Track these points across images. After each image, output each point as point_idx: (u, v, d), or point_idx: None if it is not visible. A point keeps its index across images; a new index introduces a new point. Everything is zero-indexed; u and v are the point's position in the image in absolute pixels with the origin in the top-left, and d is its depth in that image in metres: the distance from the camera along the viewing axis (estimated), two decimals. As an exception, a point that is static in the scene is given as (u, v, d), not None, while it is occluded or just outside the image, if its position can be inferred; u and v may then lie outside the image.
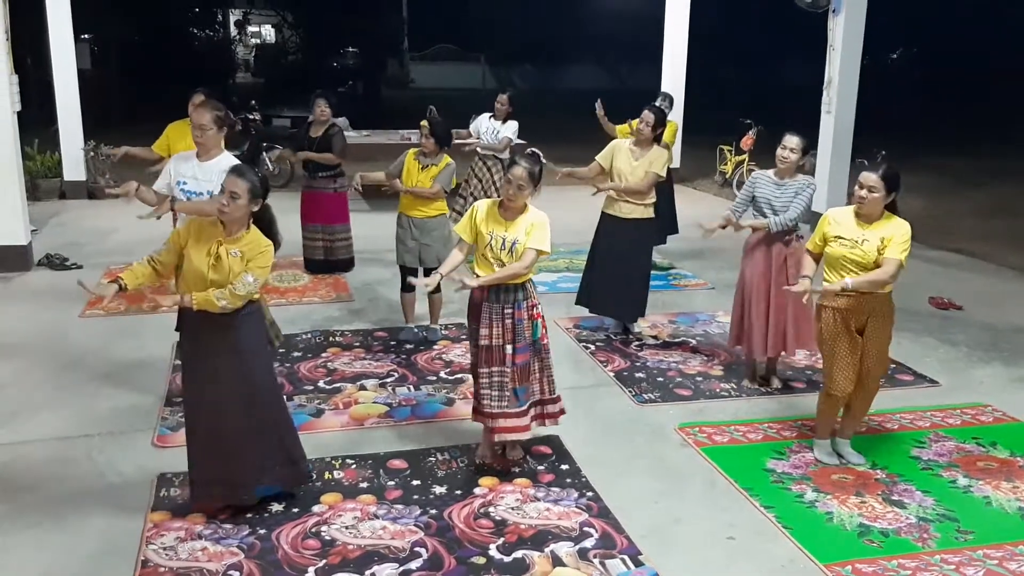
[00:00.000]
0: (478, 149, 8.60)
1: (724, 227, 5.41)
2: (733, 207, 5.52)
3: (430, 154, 6.02)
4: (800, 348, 5.66)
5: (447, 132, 6.18)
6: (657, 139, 6.20)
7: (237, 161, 5.03)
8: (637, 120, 6.28)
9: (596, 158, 6.26)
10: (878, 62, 26.12)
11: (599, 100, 8.06)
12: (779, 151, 5.28)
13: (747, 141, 12.63)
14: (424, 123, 6.12)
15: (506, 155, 8.53)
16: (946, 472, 4.59)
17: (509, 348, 4.32)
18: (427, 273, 6.25)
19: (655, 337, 6.55)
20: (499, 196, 4.37)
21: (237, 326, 3.87)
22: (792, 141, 5.23)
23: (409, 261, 6.18)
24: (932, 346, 6.49)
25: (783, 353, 5.66)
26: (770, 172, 5.40)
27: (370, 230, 8.77)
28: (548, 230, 4.30)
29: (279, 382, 4.69)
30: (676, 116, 12.26)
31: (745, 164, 12.51)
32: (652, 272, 8.00)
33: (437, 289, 6.31)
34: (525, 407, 4.43)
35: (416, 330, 6.42)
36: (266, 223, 3.95)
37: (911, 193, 11.34)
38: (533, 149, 4.36)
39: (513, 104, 8.46)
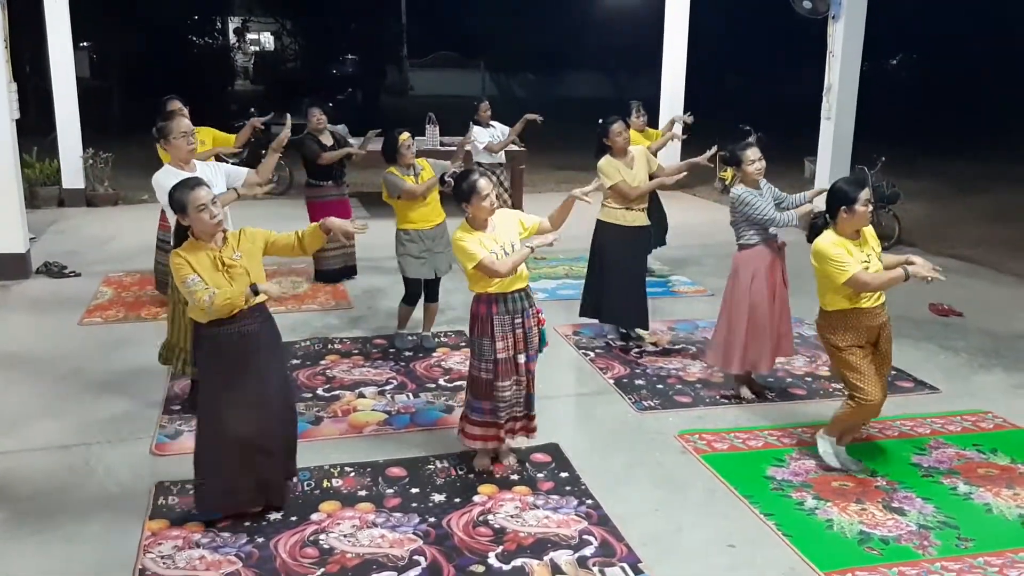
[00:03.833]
0: (481, 160, 8.65)
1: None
2: (771, 215, 5.24)
3: (410, 164, 6.18)
4: (786, 356, 5.72)
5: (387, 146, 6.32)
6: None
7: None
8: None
9: (622, 179, 6.05)
10: (878, 68, 26.13)
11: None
12: (756, 164, 5.27)
13: (746, 148, 12.61)
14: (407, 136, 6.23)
15: (499, 159, 8.72)
16: (946, 479, 4.57)
17: (521, 357, 4.39)
18: (436, 284, 6.29)
19: (655, 344, 6.54)
20: (497, 204, 4.45)
21: (274, 321, 4.02)
22: (757, 151, 5.30)
23: (424, 273, 6.18)
24: (932, 352, 6.48)
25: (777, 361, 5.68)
26: (741, 187, 5.33)
27: (369, 238, 8.70)
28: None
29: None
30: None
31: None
32: (651, 279, 8.04)
33: (435, 298, 6.34)
34: (532, 412, 4.62)
35: (411, 337, 6.42)
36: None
37: (911, 199, 11.36)
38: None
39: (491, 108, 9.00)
